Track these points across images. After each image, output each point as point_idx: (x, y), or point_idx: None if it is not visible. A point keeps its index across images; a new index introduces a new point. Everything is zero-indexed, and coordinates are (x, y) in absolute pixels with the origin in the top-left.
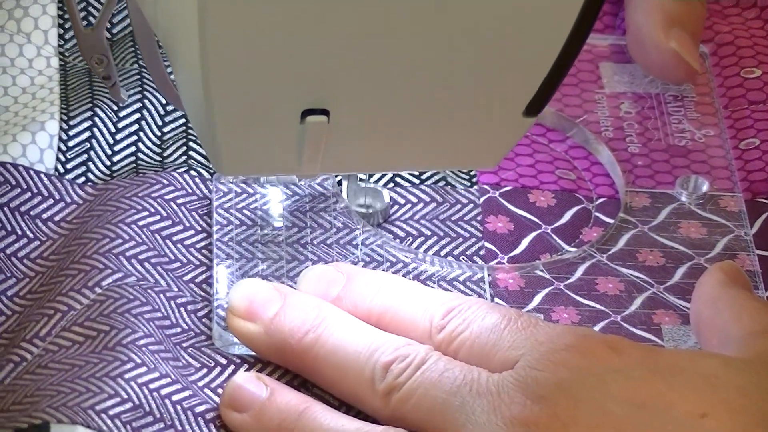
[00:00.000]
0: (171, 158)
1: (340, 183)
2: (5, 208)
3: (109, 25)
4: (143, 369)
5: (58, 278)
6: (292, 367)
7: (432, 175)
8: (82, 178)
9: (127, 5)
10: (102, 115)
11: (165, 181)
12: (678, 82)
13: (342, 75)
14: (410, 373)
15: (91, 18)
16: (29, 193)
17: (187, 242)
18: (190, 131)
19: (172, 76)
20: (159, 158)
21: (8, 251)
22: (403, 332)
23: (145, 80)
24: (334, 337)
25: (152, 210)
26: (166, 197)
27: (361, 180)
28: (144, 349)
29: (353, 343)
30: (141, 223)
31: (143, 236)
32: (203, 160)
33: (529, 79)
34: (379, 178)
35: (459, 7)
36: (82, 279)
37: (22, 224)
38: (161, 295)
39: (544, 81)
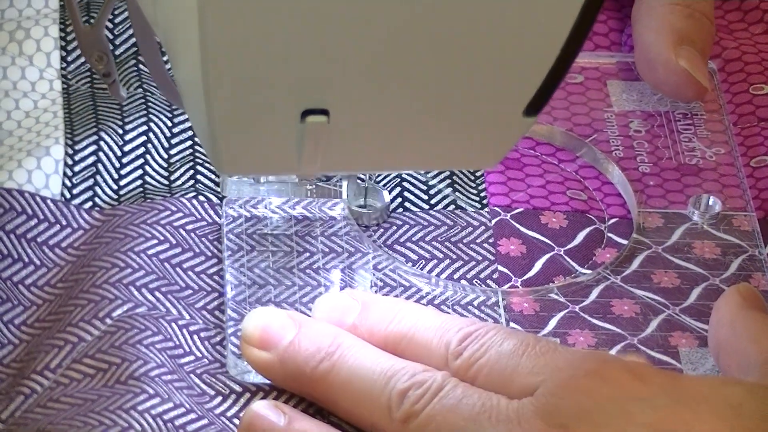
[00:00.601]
0: (178, 182)
1: (340, 186)
2: (11, 235)
3: (112, 47)
4: (157, 400)
5: (67, 308)
6: (308, 395)
7: (441, 200)
8: (89, 203)
9: (127, 5)
10: (108, 138)
11: (173, 207)
12: (688, 100)
13: (342, 75)
14: (428, 400)
15: (91, 12)
16: (35, 220)
17: (197, 269)
18: (197, 154)
19: (172, 76)
20: (166, 182)
21: (15, 279)
22: (419, 359)
23: (150, 104)
24: (349, 364)
25: (161, 237)
26: (175, 224)
27: (361, 179)
28: (157, 379)
29: (369, 370)
30: (150, 251)
31: (153, 265)
32: (211, 185)
33: (529, 79)
34: (380, 179)
35: (459, 6)
36: (92, 310)
37: (29, 251)
38: (173, 324)
39: (544, 81)
